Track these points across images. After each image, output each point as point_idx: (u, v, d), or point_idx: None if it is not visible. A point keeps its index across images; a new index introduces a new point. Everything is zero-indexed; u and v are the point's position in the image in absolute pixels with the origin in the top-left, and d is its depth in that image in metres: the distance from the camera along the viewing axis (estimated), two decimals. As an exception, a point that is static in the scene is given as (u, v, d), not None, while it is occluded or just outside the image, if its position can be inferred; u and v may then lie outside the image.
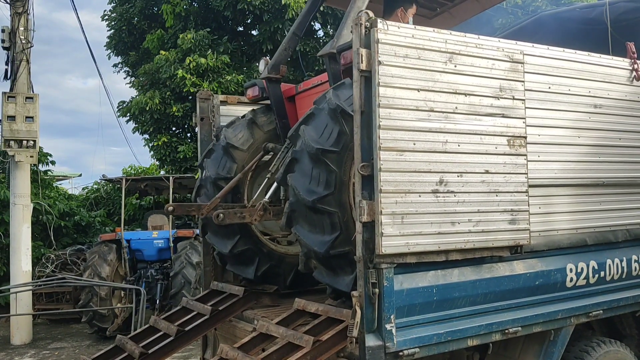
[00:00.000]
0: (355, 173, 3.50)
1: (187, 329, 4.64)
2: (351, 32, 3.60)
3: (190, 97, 11.54)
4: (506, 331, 4.02)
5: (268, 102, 5.41)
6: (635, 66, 4.85)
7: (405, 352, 3.54)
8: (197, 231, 11.25)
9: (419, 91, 3.59)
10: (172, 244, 10.93)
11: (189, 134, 12.00)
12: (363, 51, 3.46)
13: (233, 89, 11.17)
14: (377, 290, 3.44)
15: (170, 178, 10.96)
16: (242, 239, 4.91)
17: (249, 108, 5.92)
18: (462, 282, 3.84)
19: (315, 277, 4.08)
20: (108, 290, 10.51)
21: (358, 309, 3.41)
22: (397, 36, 3.52)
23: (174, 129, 12.20)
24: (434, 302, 3.71)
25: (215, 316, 4.76)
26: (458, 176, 3.71)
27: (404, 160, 3.51)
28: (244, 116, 5.43)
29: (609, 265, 4.65)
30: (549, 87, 4.31)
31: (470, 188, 3.75)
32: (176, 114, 11.26)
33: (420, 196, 3.56)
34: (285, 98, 5.31)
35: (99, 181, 19.57)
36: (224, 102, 5.83)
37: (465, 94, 3.77)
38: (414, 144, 3.56)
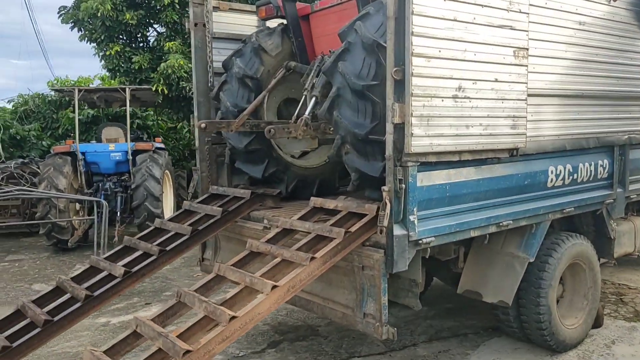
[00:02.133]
0: (387, 77, 3.73)
1: (200, 228, 4.85)
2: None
3: (144, 4, 11.07)
4: (500, 224, 4.54)
5: (281, 20, 5.54)
6: (612, -12, 5.26)
7: (424, 240, 3.98)
8: (157, 144, 11.21)
9: (445, 0, 3.81)
10: (130, 157, 10.79)
11: (141, 44, 11.54)
12: (399, -44, 3.61)
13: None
14: (403, 185, 3.80)
15: (127, 89, 10.65)
16: (257, 139, 5.19)
17: (242, 16, 6.00)
18: (469, 180, 4.27)
19: (345, 162, 4.37)
20: (66, 203, 10.36)
21: (388, 202, 3.76)
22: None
23: (123, 37, 11.64)
24: (446, 197, 4.13)
25: (224, 217, 4.99)
26: (473, 83, 4.04)
27: (431, 67, 3.78)
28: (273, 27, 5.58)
29: (581, 168, 5.24)
30: (545, 3, 4.64)
31: (482, 95, 4.10)
32: (130, 21, 10.77)
33: (442, 100, 3.87)
34: (299, 17, 5.41)
35: (24, 95, 18.52)
36: (216, 8, 5.79)
37: (482, 5, 4.03)
38: (440, 52, 3.82)
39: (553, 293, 5.11)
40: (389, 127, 3.74)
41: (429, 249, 4.08)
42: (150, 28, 11.26)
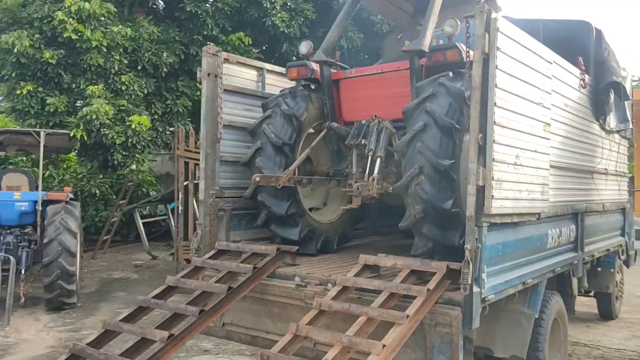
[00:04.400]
0: (471, 142, 3.98)
1: (235, 286, 4.57)
2: (461, 21, 4.08)
3: (66, 44, 10.26)
4: (525, 282, 4.90)
5: (306, 82, 5.79)
6: (583, 77, 6.14)
7: (488, 297, 4.18)
8: (70, 195, 10.21)
9: (511, 76, 4.22)
10: (39, 208, 9.66)
11: (57, 86, 10.49)
12: (486, 35, 3.95)
13: (120, 42, 10.24)
14: (479, 245, 4.00)
15: (42, 133, 9.63)
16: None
17: (247, 71, 6.05)
18: (510, 241, 4.60)
19: (414, 192, 4.47)
20: (-41, 257, 8.95)
21: (470, 260, 3.92)
22: (507, 28, 4.10)
23: (37, 76, 10.49)
24: (499, 256, 4.41)
25: (254, 274, 4.76)
26: (523, 152, 4.45)
27: (504, 135, 4.12)
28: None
29: (563, 232, 5.86)
30: (552, 89, 5.28)
31: (528, 163, 4.53)
32: (49, 60, 9.85)
33: (508, 166, 4.21)
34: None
35: None
36: (225, 60, 5.71)
37: (529, 84, 4.52)
38: (508, 122, 4.18)
39: (547, 347, 5.56)
40: (472, 189, 3.96)
41: (487, 306, 4.28)
42: (69, 69, 10.42)
